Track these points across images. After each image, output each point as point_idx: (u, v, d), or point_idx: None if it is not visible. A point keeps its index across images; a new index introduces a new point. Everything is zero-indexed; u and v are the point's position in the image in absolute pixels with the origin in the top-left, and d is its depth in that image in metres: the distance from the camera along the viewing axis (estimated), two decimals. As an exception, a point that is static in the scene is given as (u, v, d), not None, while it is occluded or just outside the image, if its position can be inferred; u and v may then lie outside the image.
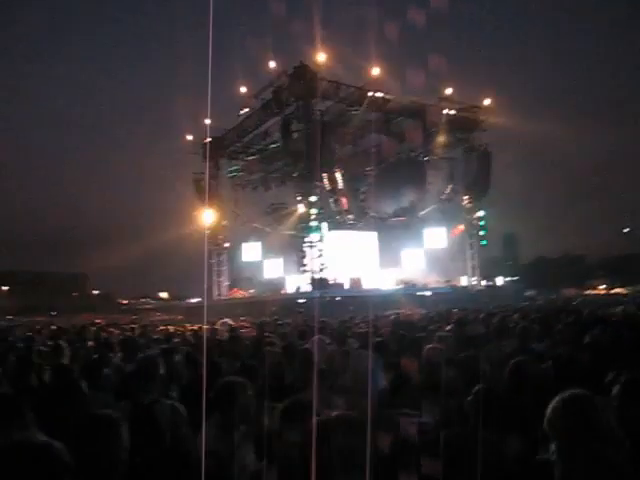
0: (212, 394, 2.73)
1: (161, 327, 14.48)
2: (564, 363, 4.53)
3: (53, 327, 16.48)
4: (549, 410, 2.11)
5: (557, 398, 2.11)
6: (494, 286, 42.60)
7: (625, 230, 78.84)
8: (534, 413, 3.08)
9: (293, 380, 4.62)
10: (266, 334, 8.23)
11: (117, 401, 3.74)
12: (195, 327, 12.45)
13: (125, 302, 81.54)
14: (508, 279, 48.50)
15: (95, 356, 5.81)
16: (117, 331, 10.36)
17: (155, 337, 8.70)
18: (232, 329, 10.62)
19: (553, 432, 2.07)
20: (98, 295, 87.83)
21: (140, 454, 2.94)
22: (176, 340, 8.06)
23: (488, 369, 4.55)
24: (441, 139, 39.41)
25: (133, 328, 11.75)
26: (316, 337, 7.51)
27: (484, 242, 43.17)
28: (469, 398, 3.15)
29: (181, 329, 11.16)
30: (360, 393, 3.18)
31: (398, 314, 13.99)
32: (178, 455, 3.19)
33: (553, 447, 2.06)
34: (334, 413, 2.28)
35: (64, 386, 3.66)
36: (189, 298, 58.66)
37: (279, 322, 15.17)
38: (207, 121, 40.08)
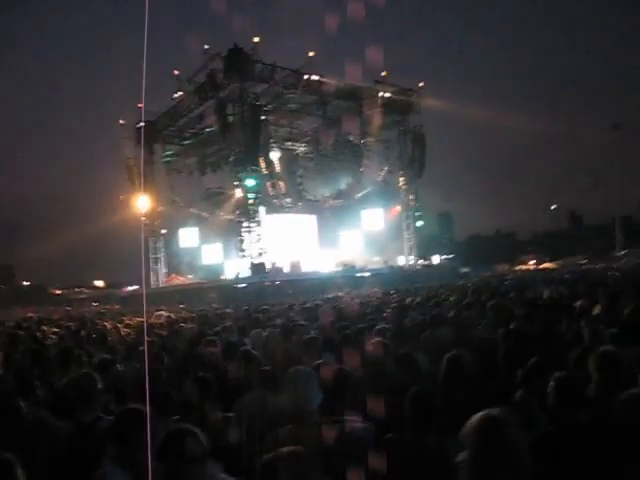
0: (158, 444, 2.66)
1: (96, 321, 14.16)
2: (486, 355, 4.78)
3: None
4: (466, 425, 2.13)
5: (475, 417, 2.13)
6: (431, 265, 43.71)
7: (552, 207, 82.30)
8: (469, 409, 3.26)
9: (236, 382, 4.65)
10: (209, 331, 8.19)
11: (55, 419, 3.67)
12: (132, 321, 12.23)
13: (59, 292, 78.78)
14: (444, 257, 49.85)
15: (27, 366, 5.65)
16: (51, 331, 10.04)
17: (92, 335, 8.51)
18: (170, 324, 10.50)
19: (466, 445, 2.09)
20: (29, 286, 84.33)
21: (85, 473, 2.91)
22: (112, 340, 7.90)
23: (426, 363, 4.71)
24: (376, 121, 39.75)
25: (69, 326, 11.41)
26: (255, 332, 7.58)
27: (420, 222, 44.11)
28: (406, 401, 3.25)
29: (117, 325, 10.93)
30: (297, 417, 3.25)
31: (338, 301, 14.10)
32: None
33: (465, 455, 2.09)
34: (281, 450, 2.29)
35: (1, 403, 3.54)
36: (125, 286, 57.34)
37: (218, 311, 15.12)
38: (140, 105, 38.99)
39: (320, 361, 4.44)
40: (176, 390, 4.17)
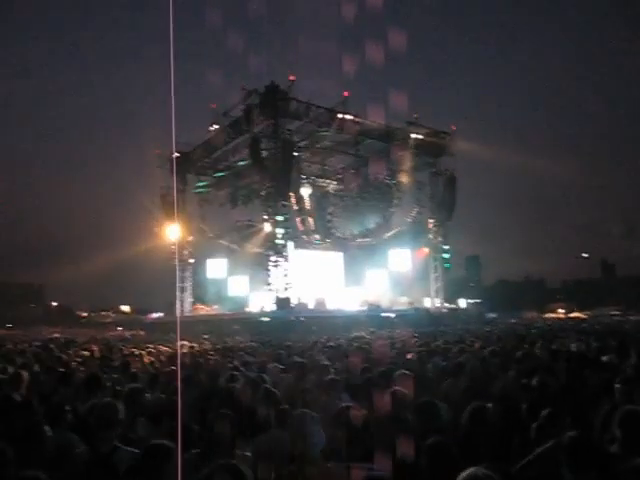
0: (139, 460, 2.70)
1: (121, 347, 14.29)
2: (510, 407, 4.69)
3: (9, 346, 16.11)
4: None
5: (461, 475, 2.16)
6: (457, 308, 43.16)
7: (584, 255, 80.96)
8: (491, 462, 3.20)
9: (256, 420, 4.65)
10: (230, 364, 8.21)
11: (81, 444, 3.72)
12: (155, 350, 12.31)
13: (85, 315, 79.79)
14: (471, 301, 49.16)
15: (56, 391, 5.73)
16: (77, 357, 10.16)
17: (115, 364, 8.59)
18: (192, 355, 10.53)
19: None
20: (57, 307, 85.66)
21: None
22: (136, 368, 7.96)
23: (446, 412, 4.63)
24: (408, 163, 39.99)
25: (92, 351, 11.55)
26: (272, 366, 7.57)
27: (448, 265, 43.81)
28: (423, 451, 3.21)
29: (142, 353, 11.02)
30: (299, 456, 3.26)
31: (365, 342, 13.93)
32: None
33: None
34: None
35: (26, 429, 3.60)
36: (151, 312, 57.81)
37: (241, 344, 15.12)
38: (174, 135, 39.85)
39: (348, 404, 4.41)
40: (198, 424, 4.18)
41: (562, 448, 3.06)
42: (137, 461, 2.93)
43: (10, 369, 7.50)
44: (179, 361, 8.36)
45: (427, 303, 42.78)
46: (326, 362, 7.83)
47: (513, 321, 38.34)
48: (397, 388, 4.69)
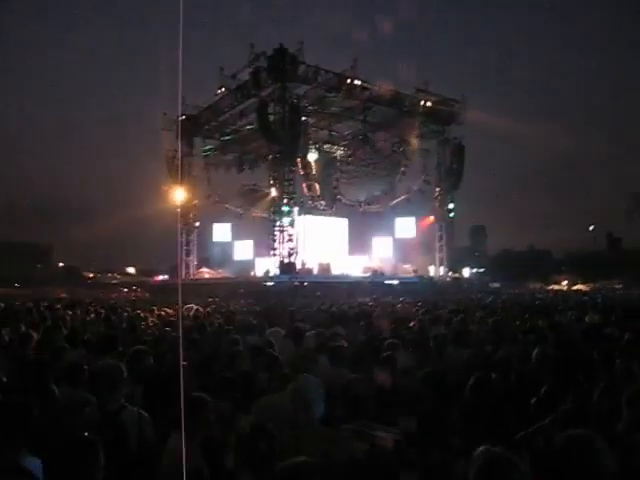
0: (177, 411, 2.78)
1: (127, 309, 14.48)
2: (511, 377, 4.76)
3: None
4: (472, 459, 2.12)
5: (479, 458, 2.12)
6: (460, 277, 43.26)
7: (590, 228, 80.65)
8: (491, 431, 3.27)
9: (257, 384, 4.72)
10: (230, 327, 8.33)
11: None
12: (161, 312, 12.47)
13: (91, 276, 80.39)
14: (474, 270, 49.25)
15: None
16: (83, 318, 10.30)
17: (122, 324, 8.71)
18: (196, 317, 10.66)
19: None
20: (64, 267, 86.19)
21: (107, 461, 3.02)
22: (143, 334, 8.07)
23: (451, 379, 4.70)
24: (416, 130, 39.59)
25: (99, 313, 11.69)
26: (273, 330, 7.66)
27: (453, 234, 43.76)
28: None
29: (147, 315, 11.17)
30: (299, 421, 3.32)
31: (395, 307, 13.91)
32: (144, 462, 3.29)
33: None
34: (298, 459, 2.31)
35: (37, 388, 3.69)
36: (156, 274, 58.15)
37: (245, 308, 15.28)
38: (180, 97, 39.50)
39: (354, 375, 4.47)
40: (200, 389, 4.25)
41: (557, 422, 3.12)
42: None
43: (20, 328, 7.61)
44: (181, 325, 8.45)
45: (431, 272, 42.89)
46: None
47: (517, 291, 38.50)
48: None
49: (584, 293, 36.98)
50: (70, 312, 10.84)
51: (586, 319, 10.68)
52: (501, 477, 2.01)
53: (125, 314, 12.28)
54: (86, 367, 4.43)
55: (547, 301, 21.34)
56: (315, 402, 3.39)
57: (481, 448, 2.11)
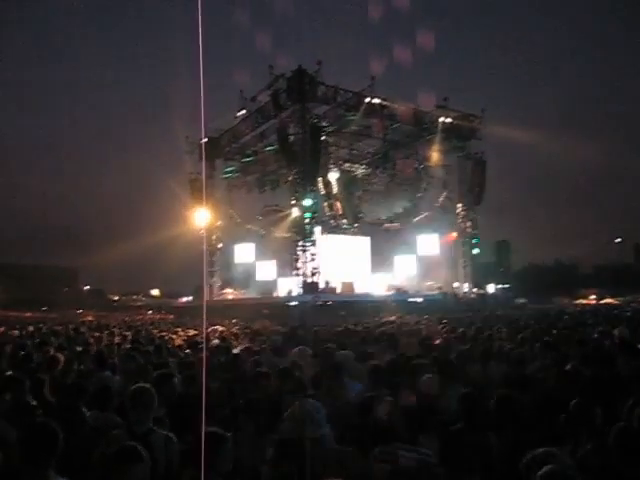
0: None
1: (153, 331, 14.58)
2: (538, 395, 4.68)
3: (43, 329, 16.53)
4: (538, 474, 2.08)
5: (544, 469, 2.08)
6: (485, 293, 42.78)
7: (617, 240, 79.35)
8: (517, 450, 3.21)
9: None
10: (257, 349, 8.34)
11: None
12: (187, 334, 12.54)
13: (116, 298, 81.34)
14: (499, 286, 48.63)
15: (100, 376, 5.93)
16: (110, 338, 10.42)
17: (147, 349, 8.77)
18: (223, 339, 10.70)
19: None
20: (89, 290, 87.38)
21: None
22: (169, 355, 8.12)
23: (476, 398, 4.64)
24: (437, 147, 39.58)
25: (125, 335, 11.79)
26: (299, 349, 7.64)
27: (476, 250, 43.35)
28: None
29: (173, 336, 11.25)
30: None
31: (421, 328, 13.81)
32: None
33: None
34: None
35: (68, 410, 3.74)
36: (180, 297, 58.63)
37: (269, 329, 15.30)
38: (203, 120, 40.12)
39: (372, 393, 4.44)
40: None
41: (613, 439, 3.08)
42: (190, 445, 3.04)
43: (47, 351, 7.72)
44: (205, 347, 8.50)
45: (455, 288, 42.51)
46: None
47: (543, 307, 37.91)
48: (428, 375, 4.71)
49: (614, 307, 36.29)
50: (97, 334, 10.95)
51: (615, 333, 10.49)
52: None
53: (150, 337, 12.42)
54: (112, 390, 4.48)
55: (575, 316, 20.95)
56: (314, 423, 3.38)
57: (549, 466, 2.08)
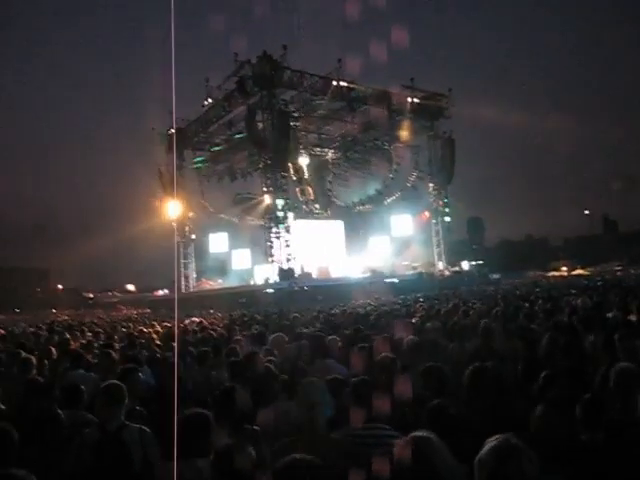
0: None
1: (129, 326, 14.42)
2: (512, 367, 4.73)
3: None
4: (480, 455, 2.05)
5: (492, 441, 2.04)
6: (460, 271, 43.25)
7: (586, 212, 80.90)
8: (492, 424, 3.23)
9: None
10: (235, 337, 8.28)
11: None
12: (161, 327, 12.40)
13: (91, 296, 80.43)
14: (474, 263, 49.22)
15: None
16: (81, 339, 10.26)
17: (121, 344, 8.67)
18: (202, 329, 10.62)
19: (479, 469, 2.00)
20: (63, 290, 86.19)
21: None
22: (142, 349, 8.03)
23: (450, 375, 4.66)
24: (405, 127, 39.63)
25: (98, 332, 11.63)
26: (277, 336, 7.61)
27: (449, 228, 43.71)
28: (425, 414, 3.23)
29: (149, 330, 11.12)
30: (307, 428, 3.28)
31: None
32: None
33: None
34: (293, 456, 2.23)
35: (42, 411, 3.67)
36: (156, 290, 58.17)
37: (245, 318, 15.22)
38: (174, 111, 39.88)
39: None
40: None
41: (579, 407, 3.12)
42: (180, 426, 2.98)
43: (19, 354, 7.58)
44: (177, 339, 8.42)
45: (430, 267, 42.90)
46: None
47: (517, 281, 38.49)
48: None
49: (584, 277, 37.03)
50: (68, 334, 10.77)
51: (578, 302, 10.71)
52: (518, 466, 1.94)
53: (124, 330, 12.28)
54: (84, 388, 4.41)
55: (548, 288, 21.27)
56: (320, 405, 3.36)
57: (498, 437, 2.04)
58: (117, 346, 8.43)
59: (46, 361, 7.15)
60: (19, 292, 74.63)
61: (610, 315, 7.95)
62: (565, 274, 55.24)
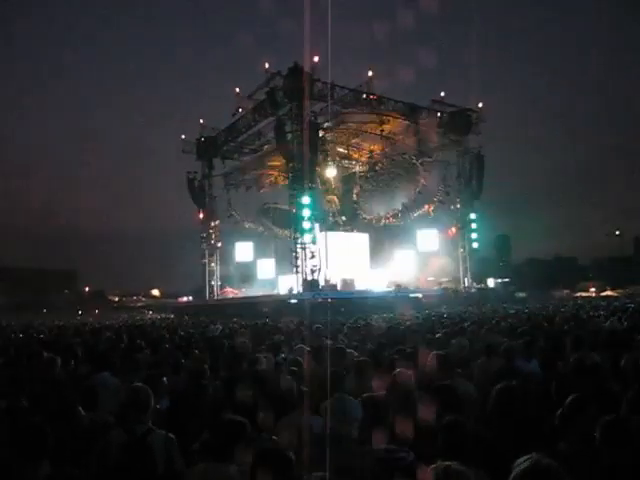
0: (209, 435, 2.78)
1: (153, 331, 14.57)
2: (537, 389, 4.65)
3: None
4: (516, 467, 2.01)
5: (524, 461, 2.00)
6: (485, 288, 42.75)
7: (617, 233, 79.39)
8: (515, 443, 3.19)
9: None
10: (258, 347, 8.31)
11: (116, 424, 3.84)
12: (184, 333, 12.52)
13: (116, 299, 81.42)
14: (499, 280, 48.65)
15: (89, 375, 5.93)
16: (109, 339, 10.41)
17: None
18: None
19: None
20: (89, 292, 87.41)
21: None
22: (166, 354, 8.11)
23: (474, 393, 4.62)
24: (434, 141, 39.50)
25: (124, 336, 11.78)
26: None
27: (476, 244, 43.23)
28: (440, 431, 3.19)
29: (172, 336, 11.23)
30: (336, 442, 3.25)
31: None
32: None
33: None
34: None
35: (61, 412, 3.72)
36: (180, 296, 58.58)
37: (268, 327, 15.26)
38: (200, 120, 40.49)
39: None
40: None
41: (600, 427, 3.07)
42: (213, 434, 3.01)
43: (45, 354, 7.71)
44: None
45: (456, 283, 42.48)
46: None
47: (543, 300, 37.92)
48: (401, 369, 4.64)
49: (613, 299, 36.32)
50: (94, 336, 10.94)
51: (607, 324, 10.51)
52: None
53: (150, 337, 12.39)
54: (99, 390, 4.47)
55: (575, 308, 20.89)
56: (352, 419, 3.35)
57: (528, 457, 2.01)
58: (142, 350, 8.53)
59: (72, 361, 7.27)
60: (47, 294, 75.84)
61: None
62: (593, 295, 54.20)
